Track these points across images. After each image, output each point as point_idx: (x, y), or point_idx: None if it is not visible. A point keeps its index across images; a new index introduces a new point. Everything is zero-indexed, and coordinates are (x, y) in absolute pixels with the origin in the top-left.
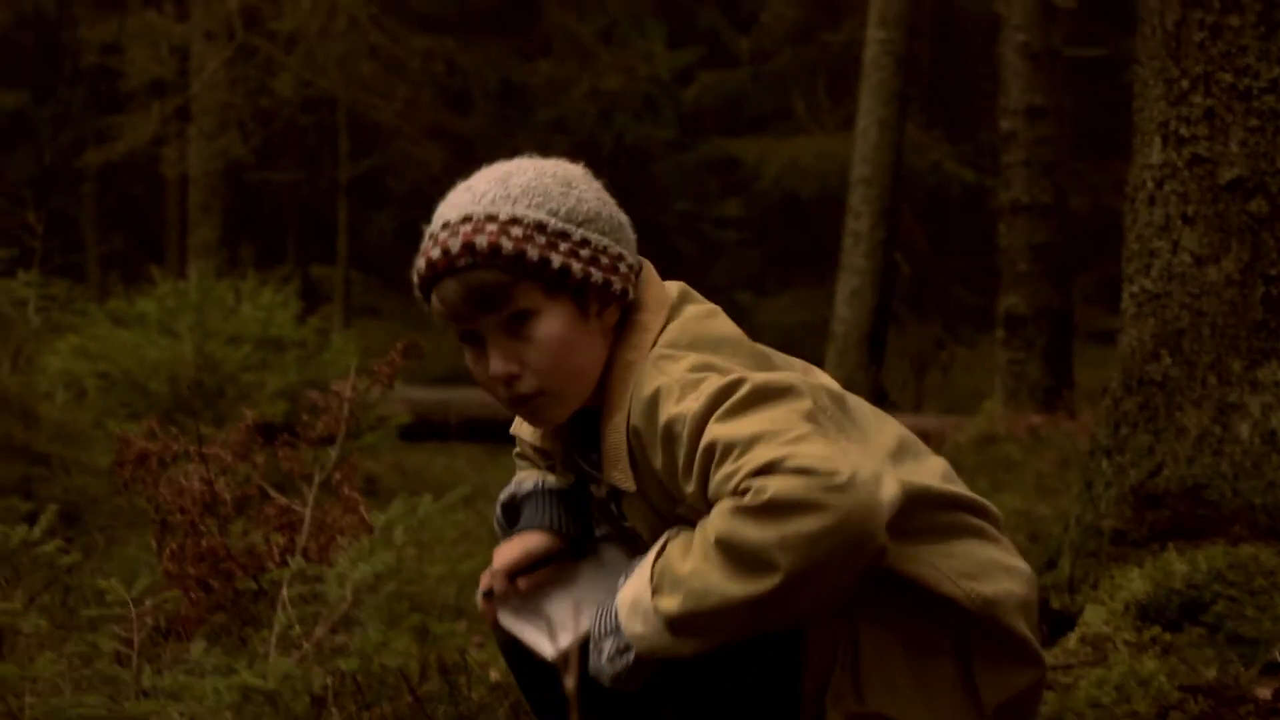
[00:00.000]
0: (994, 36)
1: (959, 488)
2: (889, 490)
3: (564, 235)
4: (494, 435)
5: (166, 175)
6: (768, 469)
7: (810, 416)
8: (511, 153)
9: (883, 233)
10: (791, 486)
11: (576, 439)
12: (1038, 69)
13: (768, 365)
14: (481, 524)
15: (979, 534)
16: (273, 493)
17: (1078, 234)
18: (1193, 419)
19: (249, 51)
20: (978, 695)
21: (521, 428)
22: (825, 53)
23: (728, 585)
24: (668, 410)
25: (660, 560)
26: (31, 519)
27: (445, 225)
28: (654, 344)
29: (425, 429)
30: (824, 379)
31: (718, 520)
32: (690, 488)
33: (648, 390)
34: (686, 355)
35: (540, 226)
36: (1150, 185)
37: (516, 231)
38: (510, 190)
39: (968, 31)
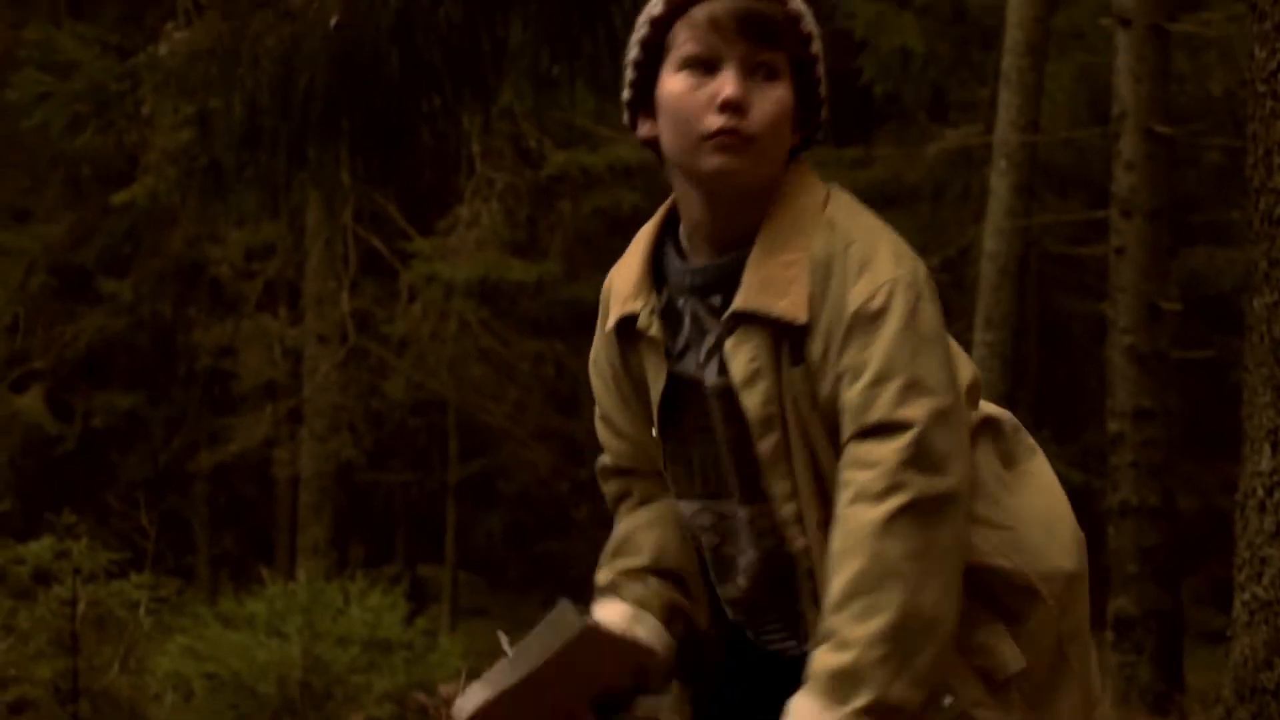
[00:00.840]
0: (1100, 339)
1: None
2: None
3: (822, 47)
4: None
5: (278, 476)
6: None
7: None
8: None
9: None
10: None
11: (686, 286)
12: (1145, 371)
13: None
14: None
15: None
16: None
17: (1187, 535)
18: None
19: (361, 354)
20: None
21: (623, 305)
22: None
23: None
24: (865, 276)
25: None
26: None
27: None
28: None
29: None
30: None
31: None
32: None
33: (854, 243)
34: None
35: (817, 24)
36: (1260, 492)
37: (805, 7)
38: None
39: (1074, 333)
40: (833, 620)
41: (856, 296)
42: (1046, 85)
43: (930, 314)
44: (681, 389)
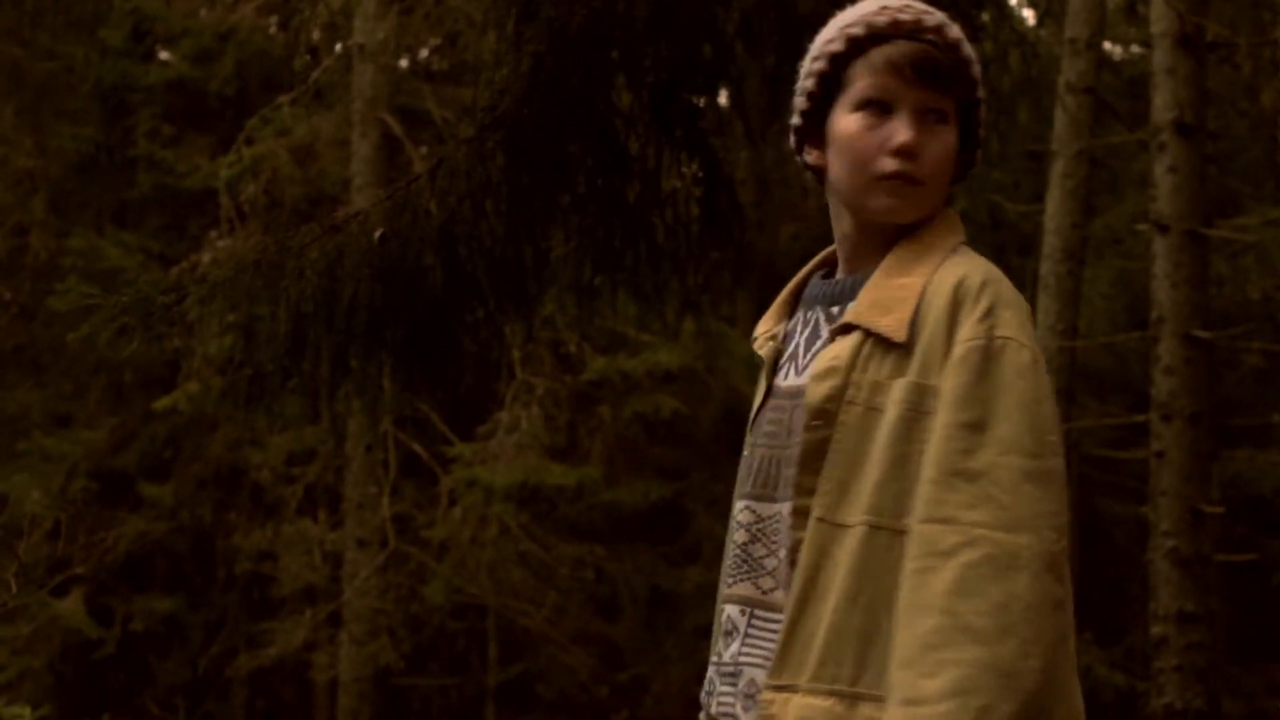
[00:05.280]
0: (1142, 542)
1: None
2: None
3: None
4: None
5: (316, 680)
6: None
7: None
8: (659, 660)
9: None
10: None
11: (817, 296)
12: (1187, 575)
13: None
14: None
15: None
16: None
17: None
18: None
19: (401, 559)
20: None
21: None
22: None
23: None
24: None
25: None
26: None
27: (909, 5)
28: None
29: None
30: None
31: None
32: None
33: (970, 279)
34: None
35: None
36: None
37: (972, 51)
38: None
39: (1115, 537)
40: (900, 675)
41: (971, 334)
42: (1085, 290)
43: (1035, 381)
44: (766, 398)
